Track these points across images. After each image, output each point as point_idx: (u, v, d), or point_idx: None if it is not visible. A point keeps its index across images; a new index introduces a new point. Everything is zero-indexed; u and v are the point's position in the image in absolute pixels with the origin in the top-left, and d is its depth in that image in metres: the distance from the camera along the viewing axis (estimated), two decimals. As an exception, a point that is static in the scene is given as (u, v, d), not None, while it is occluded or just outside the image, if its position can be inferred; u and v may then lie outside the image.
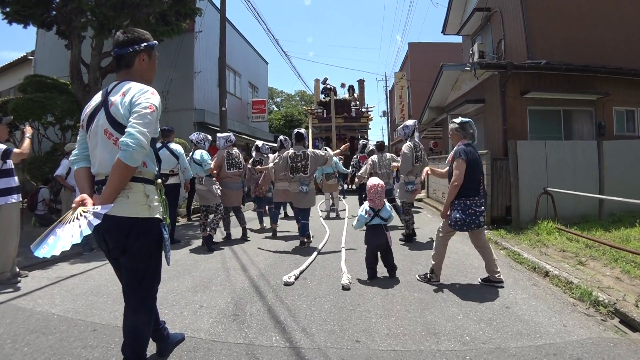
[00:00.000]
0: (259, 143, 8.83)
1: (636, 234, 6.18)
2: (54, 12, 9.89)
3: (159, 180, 2.35)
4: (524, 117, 9.88)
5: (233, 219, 7.67)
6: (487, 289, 4.28)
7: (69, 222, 1.89)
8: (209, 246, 6.38)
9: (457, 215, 4.27)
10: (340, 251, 6.06)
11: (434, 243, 4.61)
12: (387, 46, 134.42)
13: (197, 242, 6.99)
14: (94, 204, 2.00)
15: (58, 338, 3.06)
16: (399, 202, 7.24)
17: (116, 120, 2.11)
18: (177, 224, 7.73)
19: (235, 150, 7.46)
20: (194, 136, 7.02)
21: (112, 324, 3.29)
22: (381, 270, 4.81)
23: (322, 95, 21.31)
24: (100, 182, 2.17)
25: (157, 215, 2.24)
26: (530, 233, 6.85)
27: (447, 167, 4.62)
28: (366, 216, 4.78)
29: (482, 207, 4.27)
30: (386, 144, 20.25)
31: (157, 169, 2.34)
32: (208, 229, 6.51)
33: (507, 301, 3.89)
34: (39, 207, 8.90)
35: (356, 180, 9.09)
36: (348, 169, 11.63)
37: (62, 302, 3.93)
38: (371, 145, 10.61)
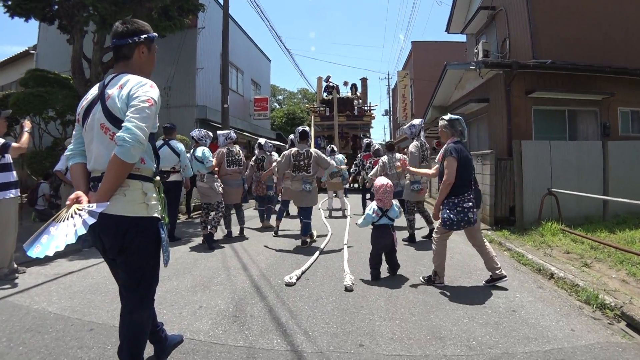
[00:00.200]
0: (262, 140, 8.75)
1: (642, 235, 6.09)
2: (56, 7, 9.86)
3: (158, 178, 2.25)
4: (528, 116, 9.83)
5: (234, 217, 7.60)
6: (493, 291, 4.20)
7: (63, 221, 1.80)
8: (209, 244, 6.31)
9: (445, 215, 4.23)
10: (342, 251, 5.99)
11: (433, 245, 4.54)
12: (390, 44, 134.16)
13: (198, 240, 6.92)
14: (89, 202, 1.91)
15: (54, 337, 2.99)
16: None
17: (113, 114, 2.02)
18: (177, 221, 7.65)
19: (236, 148, 7.39)
20: (196, 133, 6.95)
21: (110, 324, 3.21)
22: (382, 269, 4.76)
23: (325, 94, 21.22)
24: (96, 179, 2.09)
25: (155, 214, 2.15)
26: (535, 234, 6.78)
27: (437, 166, 4.57)
28: (374, 215, 4.70)
29: (470, 203, 4.18)
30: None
31: (155, 165, 2.25)
32: (209, 227, 6.45)
33: (514, 304, 3.81)
34: (39, 202, 8.86)
35: (367, 183, 9.02)
36: (351, 167, 11.55)
37: (59, 300, 3.87)
38: (376, 144, 10.52)
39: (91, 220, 1.79)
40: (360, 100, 21.18)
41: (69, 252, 5.79)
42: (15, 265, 4.72)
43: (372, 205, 4.79)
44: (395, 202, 4.90)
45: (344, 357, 2.76)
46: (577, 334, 3.15)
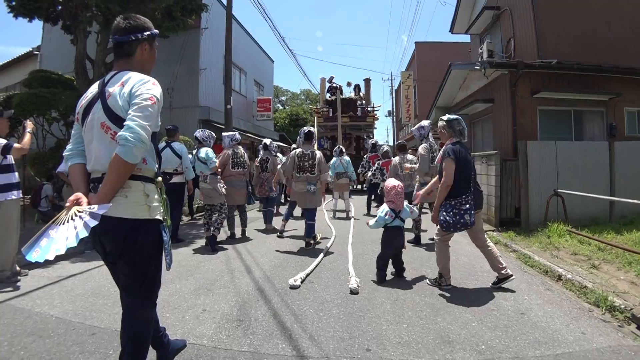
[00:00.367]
0: (267, 141, 8.65)
1: (649, 237, 6.01)
2: (60, 7, 9.85)
3: (160, 179, 2.19)
4: (534, 117, 9.76)
5: (237, 219, 7.56)
6: (500, 293, 4.14)
7: (63, 223, 1.73)
8: (212, 246, 6.26)
9: (442, 217, 4.19)
10: (347, 253, 5.93)
11: (435, 247, 4.50)
12: (393, 45, 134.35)
13: (201, 242, 6.87)
14: (89, 204, 1.85)
15: (55, 342, 2.95)
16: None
17: (114, 112, 1.95)
18: (180, 223, 7.61)
19: (240, 150, 7.37)
20: (199, 133, 6.90)
21: (112, 328, 3.16)
22: (387, 271, 4.71)
23: (328, 94, 21.15)
24: (96, 180, 2.02)
25: (158, 217, 2.08)
26: (541, 235, 6.71)
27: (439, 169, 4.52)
28: (387, 217, 4.65)
29: (467, 205, 4.11)
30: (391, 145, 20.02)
31: (157, 165, 2.19)
32: (212, 229, 6.40)
33: (522, 307, 3.75)
34: (42, 203, 8.82)
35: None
36: (358, 169, 11.51)
37: (61, 303, 3.82)
38: (385, 146, 10.48)
39: (93, 223, 1.72)
40: (364, 101, 21.12)
41: (72, 254, 5.75)
42: (18, 268, 4.68)
43: (384, 207, 4.73)
44: (405, 202, 4.85)
45: (351, 363, 2.70)
46: (588, 337, 3.09)
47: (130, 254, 2.01)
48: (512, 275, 4.29)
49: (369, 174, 10.54)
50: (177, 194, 7.00)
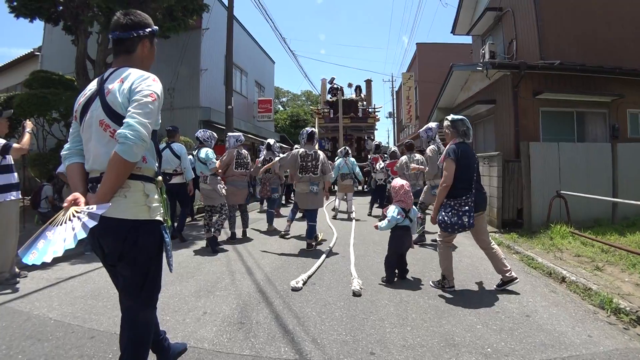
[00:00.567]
0: (271, 141, 8.62)
1: (653, 238, 5.98)
2: (61, 7, 9.84)
3: (160, 178, 2.14)
4: (536, 118, 9.72)
5: (238, 219, 7.51)
6: (505, 295, 4.10)
7: (61, 224, 1.68)
8: (213, 248, 6.21)
9: (440, 217, 4.17)
10: (349, 254, 5.88)
11: (437, 249, 4.46)
12: (394, 46, 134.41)
13: (201, 243, 6.81)
14: (87, 204, 1.80)
15: (54, 345, 2.90)
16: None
17: (113, 110, 1.90)
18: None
19: (244, 151, 7.37)
20: (200, 133, 6.86)
21: (111, 331, 3.12)
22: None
23: (329, 95, 21.12)
24: (94, 180, 1.97)
25: (158, 217, 2.03)
26: (543, 237, 6.67)
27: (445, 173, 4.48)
28: (399, 217, 4.59)
29: (467, 207, 4.05)
30: (392, 146, 20.01)
31: (157, 164, 2.14)
32: (212, 230, 6.35)
33: (527, 309, 3.71)
34: (42, 204, 8.78)
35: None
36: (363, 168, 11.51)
37: (60, 306, 3.78)
38: (393, 147, 10.48)
39: (92, 223, 1.66)
40: (365, 102, 21.08)
41: (71, 255, 5.70)
42: (17, 270, 4.64)
43: (395, 207, 4.68)
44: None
45: (354, 366, 2.65)
46: (595, 340, 3.05)
47: (130, 256, 1.96)
48: (517, 278, 4.24)
49: (380, 175, 10.53)
50: (182, 194, 7.02)
